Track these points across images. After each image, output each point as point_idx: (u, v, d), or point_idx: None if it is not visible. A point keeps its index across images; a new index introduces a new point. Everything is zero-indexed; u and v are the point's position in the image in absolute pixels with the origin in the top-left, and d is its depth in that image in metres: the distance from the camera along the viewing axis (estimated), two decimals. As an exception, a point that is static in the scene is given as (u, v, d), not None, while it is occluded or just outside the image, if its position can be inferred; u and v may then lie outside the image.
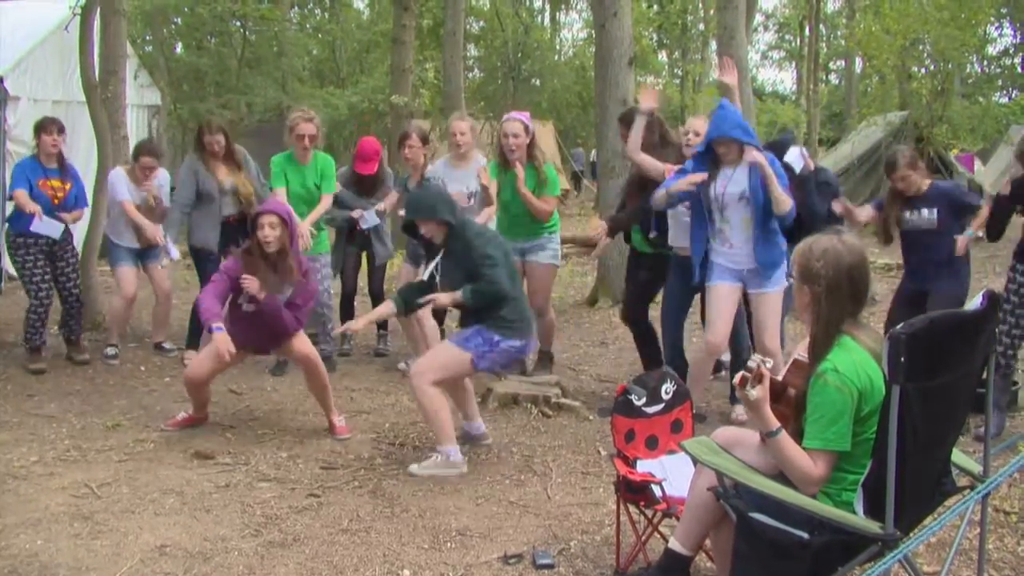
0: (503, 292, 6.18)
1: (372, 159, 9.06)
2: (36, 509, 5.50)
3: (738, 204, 6.67)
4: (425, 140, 8.80)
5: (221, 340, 6.57)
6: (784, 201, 6.53)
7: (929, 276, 7.08)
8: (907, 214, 7.13)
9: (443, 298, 6.37)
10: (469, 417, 6.74)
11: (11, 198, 8.50)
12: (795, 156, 7.12)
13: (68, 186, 8.62)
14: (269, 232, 6.67)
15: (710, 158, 6.73)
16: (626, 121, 7.82)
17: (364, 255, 9.53)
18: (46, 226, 8.36)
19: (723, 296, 6.83)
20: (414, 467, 6.15)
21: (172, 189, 9.18)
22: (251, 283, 6.69)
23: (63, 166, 8.67)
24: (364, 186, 9.14)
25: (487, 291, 6.19)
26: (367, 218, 9.06)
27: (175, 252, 8.93)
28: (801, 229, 6.67)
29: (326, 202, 8.58)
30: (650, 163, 7.35)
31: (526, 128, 8.08)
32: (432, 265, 6.55)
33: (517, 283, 6.58)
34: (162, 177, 9.17)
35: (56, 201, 8.49)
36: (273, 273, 6.77)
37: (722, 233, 6.81)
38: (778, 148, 7.16)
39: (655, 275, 7.72)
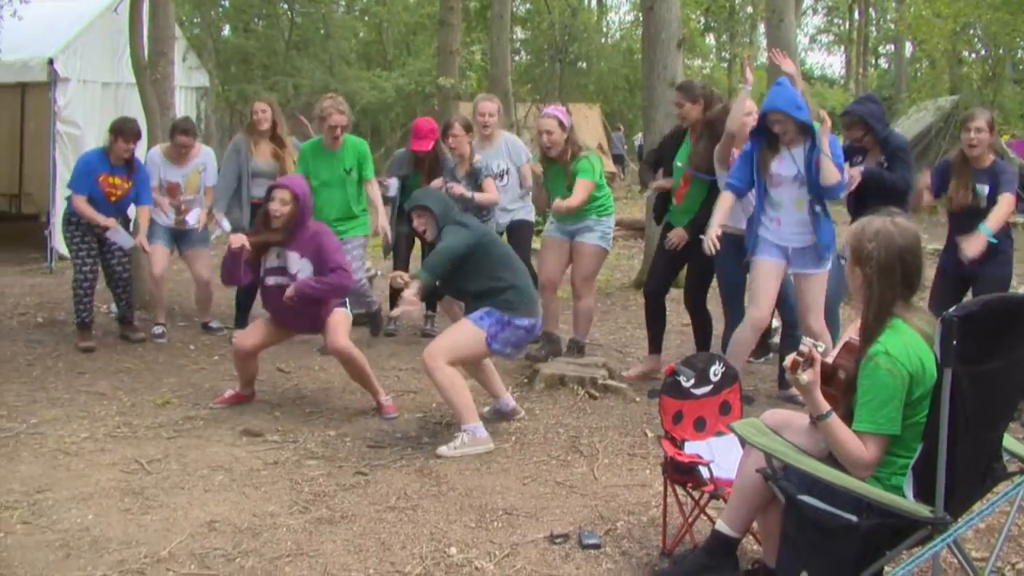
0: (450, 251, 6.28)
1: (428, 136, 8.99)
2: (87, 484, 5.57)
3: (791, 184, 6.64)
4: (468, 128, 8.78)
5: (234, 237, 6.82)
6: (831, 174, 6.49)
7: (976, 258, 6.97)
8: (977, 189, 7.02)
9: (408, 293, 6.30)
10: (497, 394, 6.78)
11: (70, 188, 8.58)
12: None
13: (128, 186, 8.66)
14: (278, 207, 6.72)
15: (765, 136, 6.69)
16: (684, 90, 7.75)
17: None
18: (119, 236, 8.52)
19: (768, 271, 6.81)
20: (443, 449, 6.14)
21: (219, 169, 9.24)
22: (236, 239, 6.85)
23: (131, 166, 8.71)
24: (423, 165, 9.04)
25: (435, 258, 6.32)
26: (390, 186, 9.00)
27: (226, 223, 8.94)
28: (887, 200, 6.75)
29: (374, 189, 8.62)
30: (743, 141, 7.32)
31: (561, 124, 7.93)
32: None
33: (516, 270, 6.55)
34: (205, 155, 9.23)
35: (112, 199, 8.56)
36: (284, 246, 6.83)
37: (772, 210, 6.78)
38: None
39: (684, 252, 7.72)
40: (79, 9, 13.57)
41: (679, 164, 7.72)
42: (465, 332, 6.32)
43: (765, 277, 6.82)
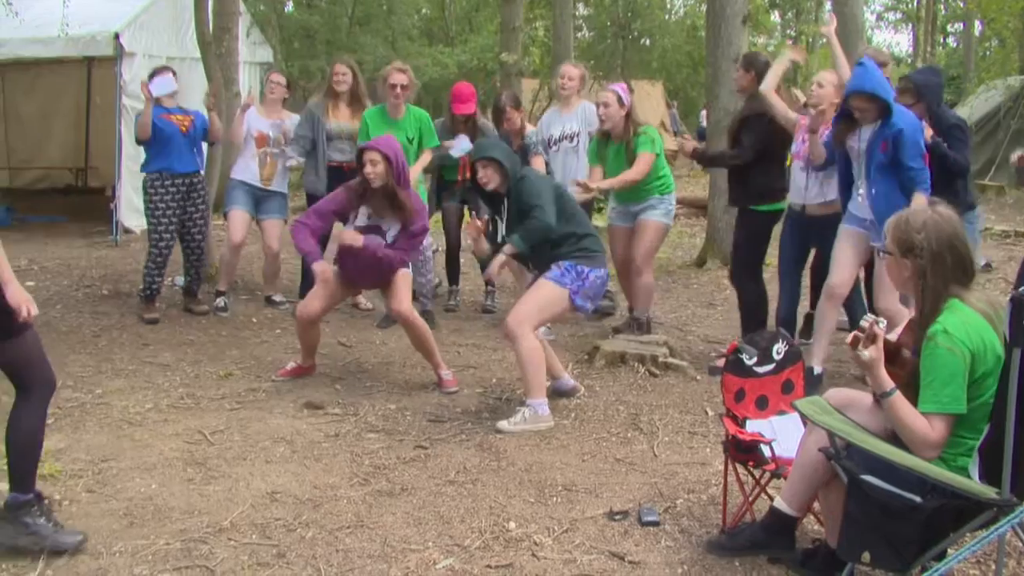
0: (549, 225, 6.21)
1: (469, 99, 9.02)
2: (151, 454, 5.64)
3: (862, 159, 6.59)
4: (518, 105, 8.81)
5: (320, 269, 6.82)
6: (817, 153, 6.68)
7: None
8: None
9: (500, 259, 6.40)
10: (558, 375, 6.76)
11: (138, 136, 8.73)
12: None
13: (191, 118, 8.77)
14: (370, 168, 6.72)
15: (844, 115, 6.65)
16: (748, 63, 7.70)
17: (467, 209, 9.48)
18: (161, 85, 8.63)
19: (848, 238, 6.81)
20: (503, 423, 6.14)
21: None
22: (350, 237, 6.87)
23: (184, 108, 8.88)
24: (466, 128, 9.03)
25: (534, 228, 6.22)
26: (458, 145, 8.86)
27: (297, 156, 9.15)
28: (948, 179, 6.96)
29: (427, 156, 8.62)
30: (780, 104, 7.28)
31: (620, 99, 7.89)
32: (491, 216, 6.63)
33: (582, 219, 6.58)
34: (293, 120, 9.32)
35: (184, 129, 8.65)
36: (388, 208, 6.86)
37: (857, 184, 6.75)
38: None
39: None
40: (145, -16, 13.68)
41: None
42: (548, 293, 6.29)
43: (845, 244, 6.82)
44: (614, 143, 7.93)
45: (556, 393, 6.69)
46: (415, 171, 8.38)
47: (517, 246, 6.28)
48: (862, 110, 6.46)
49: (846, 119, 6.63)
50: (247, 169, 9.12)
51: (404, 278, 7.03)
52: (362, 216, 6.96)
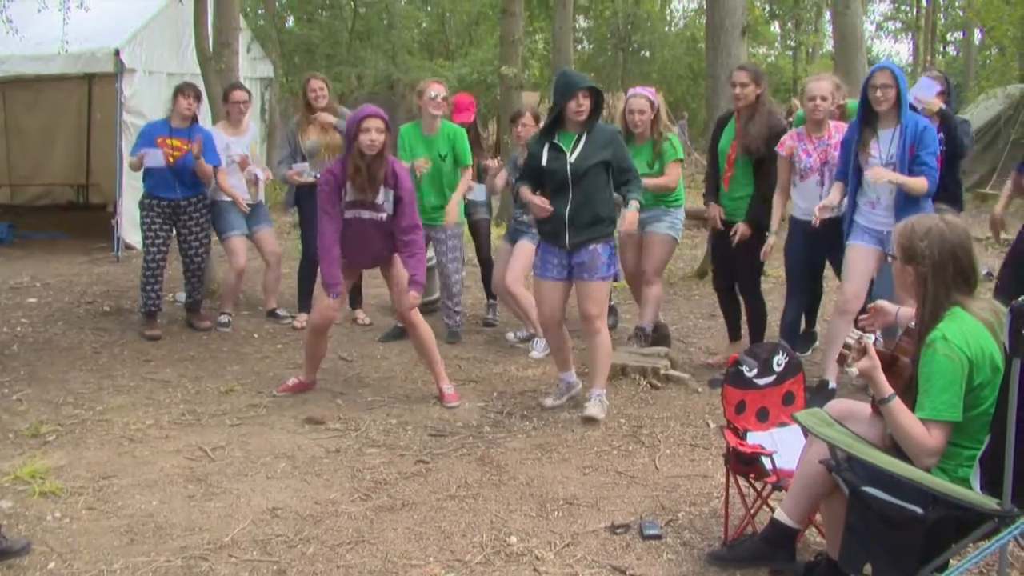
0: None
1: (468, 109, 9.05)
2: (152, 471, 5.64)
3: (887, 168, 6.61)
4: (537, 119, 8.74)
5: (326, 306, 6.82)
6: (918, 188, 6.52)
7: None
8: None
9: (633, 213, 6.51)
10: (569, 366, 6.99)
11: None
12: (926, 86, 7.35)
13: (185, 149, 8.67)
14: (376, 136, 6.59)
15: (864, 118, 6.70)
16: (750, 70, 7.67)
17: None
18: (151, 157, 8.53)
19: (858, 255, 6.81)
20: (596, 411, 6.60)
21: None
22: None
23: (192, 129, 8.78)
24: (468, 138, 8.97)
25: (641, 186, 6.69)
26: (476, 191, 8.96)
27: (262, 174, 9.31)
28: (951, 166, 7.06)
29: (467, 177, 8.55)
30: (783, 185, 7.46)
31: (651, 104, 7.96)
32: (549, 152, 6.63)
33: None
34: (254, 129, 9.49)
35: (171, 160, 8.58)
36: (369, 179, 6.71)
37: (869, 192, 6.77)
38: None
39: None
40: (145, 1, 13.70)
41: (724, 150, 7.75)
42: (603, 287, 6.66)
43: (855, 260, 6.82)
44: (636, 143, 7.94)
45: (570, 400, 6.86)
46: (457, 196, 8.42)
47: (643, 202, 6.70)
48: (885, 87, 6.51)
49: (867, 126, 6.68)
50: (238, 190, 9.12)
51: (407, 276, 6.92)
52: (350, 195, 6.80)
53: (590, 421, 6.47)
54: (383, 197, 6.78)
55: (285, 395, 7.10)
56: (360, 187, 6.70)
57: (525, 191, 6.63)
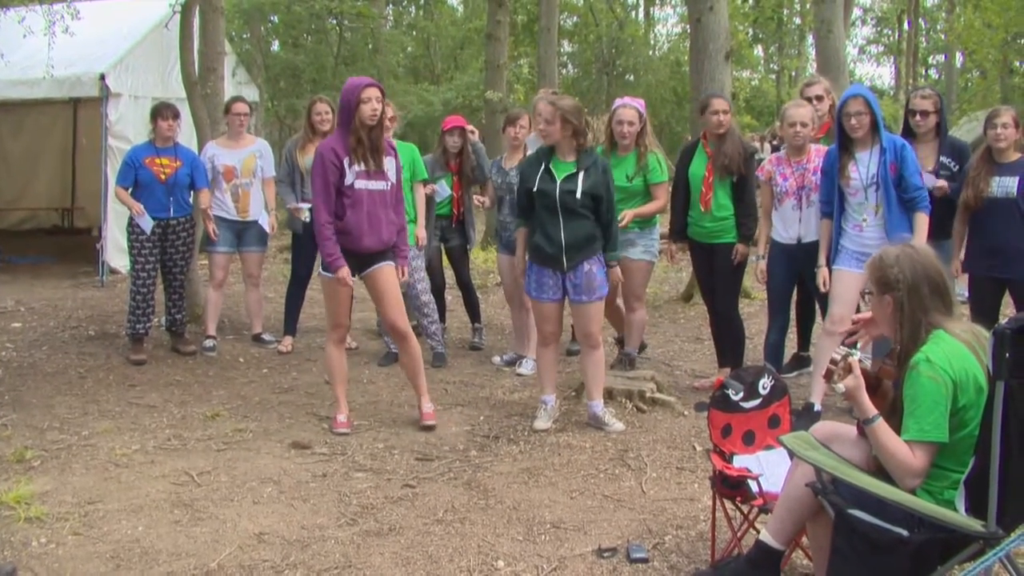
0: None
1: (454, 122, 9.11)
2: (137, 496, 5.62)
3: (869, 189, 6.68)
4: (529, 124, 8.77)
5: (345, 274, 6.61)
6: (925, 227, 6.65)
7: (1009, 259, 6.94)
8: (991, 180, 7.02)
9: (616, 277, 7.07)
10: (551, 391, 7.16)
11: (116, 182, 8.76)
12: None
13: (178, 164, 8.74)
14: (377, 105, 6.56)
15: (841, 143, 6.76)
16: (727, 100, 7.81)
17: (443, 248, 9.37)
18: (143, 221, 8.57)
19: (844, 280, 6.83)
20: (618, 425, 6.93)
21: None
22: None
23: (177, 149, 8.83)
24: (453, 166, 8.99)
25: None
26: (439, 191, 8.90)
27: (265, 223, 9.32)
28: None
29: (422, 193, 8.56)
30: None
31: (640, 115, 7.93)
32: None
33: None
34: (260, 144, 9.50)
35: (163, 178, 8.62)
36: (370, 148, 6.66)
37: (854, 215, 6.83)
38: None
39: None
40: (130, 25, 13.74)
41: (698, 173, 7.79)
42: (600, 307, 6.95)
43: (841, 285, 6.85)
44: (619, 154, 7.93)
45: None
46: (422, 221, 8.48)
47: (619, 257, 7.09)
48: (859, 115, 6.59)
49: (844, 151, 6.74)
50: (223, 204, 9.15)
51: (399, 291, 6.96)
52: (352, 172, 6.67)
53: (613, 431, 6.83)
54: (388, 165, 6.80)
55: (343, 431, 6.86)
56: (363, 158, 6.65)
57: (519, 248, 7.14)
